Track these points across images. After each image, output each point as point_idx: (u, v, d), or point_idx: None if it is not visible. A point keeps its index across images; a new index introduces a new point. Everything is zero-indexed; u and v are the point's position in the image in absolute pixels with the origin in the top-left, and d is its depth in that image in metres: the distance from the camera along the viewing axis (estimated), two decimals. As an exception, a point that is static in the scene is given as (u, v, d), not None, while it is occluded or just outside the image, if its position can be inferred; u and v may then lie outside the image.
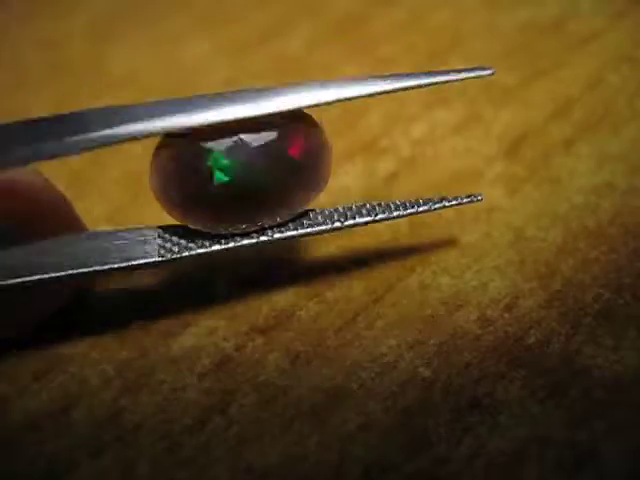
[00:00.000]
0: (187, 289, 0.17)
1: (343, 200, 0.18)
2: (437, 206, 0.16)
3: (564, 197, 0.18)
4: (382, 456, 0.14)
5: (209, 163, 0.14)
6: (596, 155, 0.19)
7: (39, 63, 0.24)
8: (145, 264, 0.15)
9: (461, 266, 0.17)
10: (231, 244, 0.15)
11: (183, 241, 0.15)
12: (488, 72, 0.15)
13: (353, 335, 0.16)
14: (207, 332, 0.16)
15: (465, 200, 0.16)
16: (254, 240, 0.15)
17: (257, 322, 0.16)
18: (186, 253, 0.15)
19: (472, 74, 0.15)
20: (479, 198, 0.16)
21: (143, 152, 0.20)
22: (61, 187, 0.16)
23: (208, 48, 0.24)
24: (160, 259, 0.15)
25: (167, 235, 0.16)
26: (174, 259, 0.15)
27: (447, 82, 0.15)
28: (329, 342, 0.16)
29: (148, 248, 0.15)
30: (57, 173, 0.17)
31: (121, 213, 0.19)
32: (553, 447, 0.14)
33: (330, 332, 0.16)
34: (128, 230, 0.16)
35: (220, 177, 0.14)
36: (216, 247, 0.15)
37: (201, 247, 0.15)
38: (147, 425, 0.15)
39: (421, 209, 0.16)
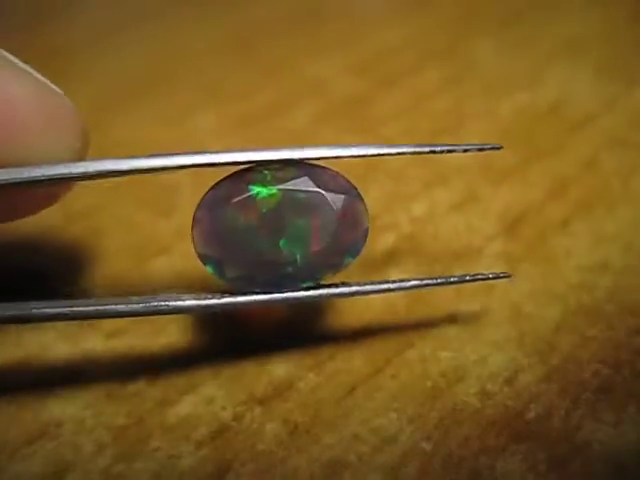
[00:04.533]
0: (184, 356, 0.17)
1: (340, 275, 0.19)
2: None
3: (561, 276, 0.18)
4: (381, 530, 0.14)
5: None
6: (592, 234, 0.19)
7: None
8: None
9: (460, 340, 0.17)
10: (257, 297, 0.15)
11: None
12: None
13: (352, 406, 0.16)
14: (205, 400, 0.16)
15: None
16: (279, 296, 0.15)
17: (256, 392, 0.16)
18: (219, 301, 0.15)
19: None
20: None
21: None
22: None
23: (215, 121, 0.25)
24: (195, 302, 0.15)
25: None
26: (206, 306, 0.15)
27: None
28: (328, 413, 0.16)
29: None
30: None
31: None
32: (554, 523, 0.13)
33: (329, 403, 0.16)
34: None
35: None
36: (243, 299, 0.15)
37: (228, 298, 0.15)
38: (141, 495, 0.15)
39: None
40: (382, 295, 0.18)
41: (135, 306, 0.15)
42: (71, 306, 0.15)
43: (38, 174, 0.14)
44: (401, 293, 0.18)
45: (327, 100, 0.25)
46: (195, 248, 0.15)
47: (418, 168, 0.22)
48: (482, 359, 0.16)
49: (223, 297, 0.15)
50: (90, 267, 0.20)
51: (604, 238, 0.19)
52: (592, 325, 0.17)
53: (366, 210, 0.15)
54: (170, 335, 0.18)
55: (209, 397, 0.16)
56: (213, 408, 0.16)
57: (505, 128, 0.23)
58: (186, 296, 0.15)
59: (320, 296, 0.15)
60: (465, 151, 0.16)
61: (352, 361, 0.17)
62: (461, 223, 0.20)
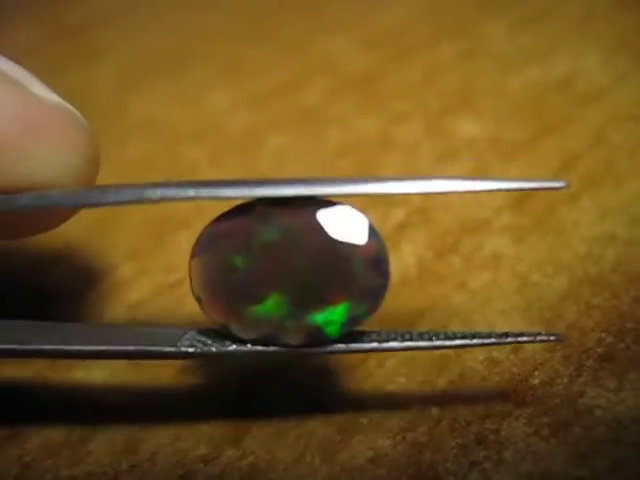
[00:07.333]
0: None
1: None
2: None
3: (568, 246, 0.19)
4: (390, 489, 0.14)
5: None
6: (599, 208, 0.19)
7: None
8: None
9: (469, 310, 0.17)
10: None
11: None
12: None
13: (365, 374, 0.16)
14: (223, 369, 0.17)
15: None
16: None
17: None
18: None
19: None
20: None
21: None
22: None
23: (229, 99, 0.25)
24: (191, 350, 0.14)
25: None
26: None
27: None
28: (341, 380, 0.16)
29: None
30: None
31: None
32: (557, 483, 0.14)
33: (342, 370, 0.17)
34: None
35: None
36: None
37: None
38: (162, 454, 0.15)
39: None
40: (394, 267, 0.19)
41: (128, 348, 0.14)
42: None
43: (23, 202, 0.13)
44: (413, 263, 0.19)
45: (339, 77, 0.26)
46: (193, 292, 0.14)
47: (429, 143, 0.22)
48: (489, 328, 0.17)
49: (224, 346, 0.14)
50: (110, 242, 0.21)
51: (611, 211, 0.19)
52: (597, 294, 0.17)
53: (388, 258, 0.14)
54: (192, 305, 0.18)
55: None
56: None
57: (514, 104, 0.23)
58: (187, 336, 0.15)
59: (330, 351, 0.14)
60: None
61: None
62: (470, 196, 0.20)
